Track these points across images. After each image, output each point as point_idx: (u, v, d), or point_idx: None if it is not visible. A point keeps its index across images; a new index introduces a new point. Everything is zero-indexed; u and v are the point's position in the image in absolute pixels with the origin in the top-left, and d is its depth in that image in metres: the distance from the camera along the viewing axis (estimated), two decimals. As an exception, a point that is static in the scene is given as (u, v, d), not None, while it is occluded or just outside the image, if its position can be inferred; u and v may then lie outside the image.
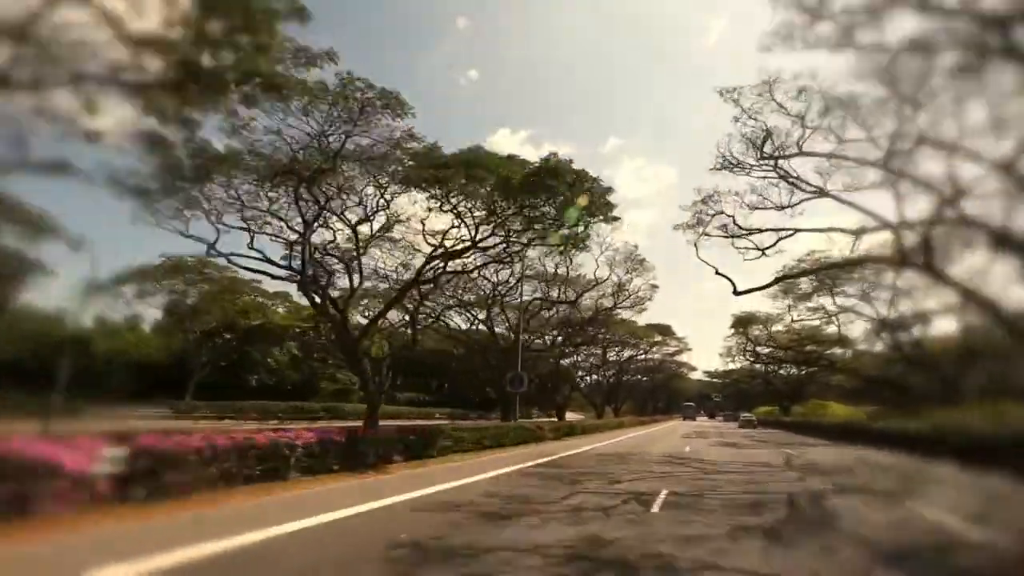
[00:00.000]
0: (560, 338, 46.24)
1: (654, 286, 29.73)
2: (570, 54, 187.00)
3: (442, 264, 19.53)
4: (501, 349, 30.47)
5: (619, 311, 32.03)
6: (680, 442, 23.53)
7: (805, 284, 29.89)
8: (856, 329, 31.65)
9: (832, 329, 37.34)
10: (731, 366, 59.39)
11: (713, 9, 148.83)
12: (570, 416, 71.24)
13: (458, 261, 19.81)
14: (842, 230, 18.12)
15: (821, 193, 17.18)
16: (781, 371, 54.95)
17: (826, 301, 33.33)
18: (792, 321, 35.58)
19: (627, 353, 59.13)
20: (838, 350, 39.14)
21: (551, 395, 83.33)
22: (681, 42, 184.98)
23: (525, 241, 18.80)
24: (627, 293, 29.71)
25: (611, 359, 60.37)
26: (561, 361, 59.01)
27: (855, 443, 22.72)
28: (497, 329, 33.76)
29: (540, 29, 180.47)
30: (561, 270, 27.85)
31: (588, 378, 64.74)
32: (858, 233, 17.21)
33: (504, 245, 18.68)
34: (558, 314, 35.60)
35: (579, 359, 58.61)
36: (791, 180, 17.29)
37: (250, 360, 40.63)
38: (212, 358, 36.55)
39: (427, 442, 13.32)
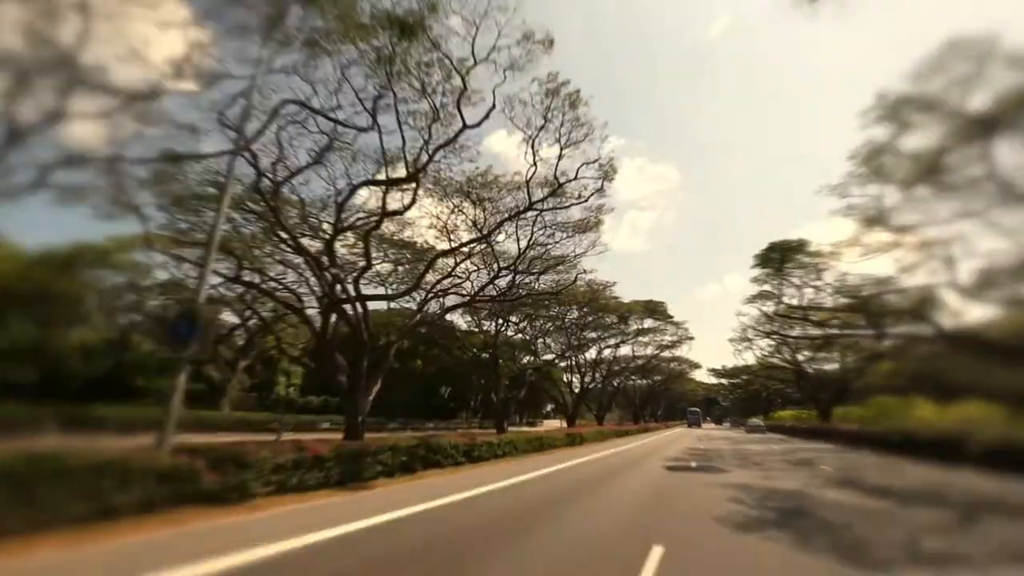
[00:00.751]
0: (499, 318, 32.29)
1: (607, 171, 15.02)
2: (567, 48, 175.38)
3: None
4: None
5: (554, 209, 17.36)
6: (642, 494, 8.94)
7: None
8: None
9: (911, 281, 22.65)
10: (746, 358, 44.61)
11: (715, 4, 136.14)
12: (552, 425, 56.69)
13: None
14: None
15: None
16: (814, 358, 39.92)
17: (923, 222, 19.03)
18: (861, 255, 20.86)
19: (612, 342, 44.33)
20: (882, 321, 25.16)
21: (535, 403, 68.50)
22: (682, 37, 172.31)
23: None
24: (558, 183, 14.99)
25: (590, 355, 45.88)
26: (530, 358, 44.44)
27: None
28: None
29: (538, 25, 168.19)
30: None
31: (572, 379, 49.65)
32: None
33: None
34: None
35: (551, 356, 44.00)
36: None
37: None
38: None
39: None
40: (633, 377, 58.88)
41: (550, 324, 36.64)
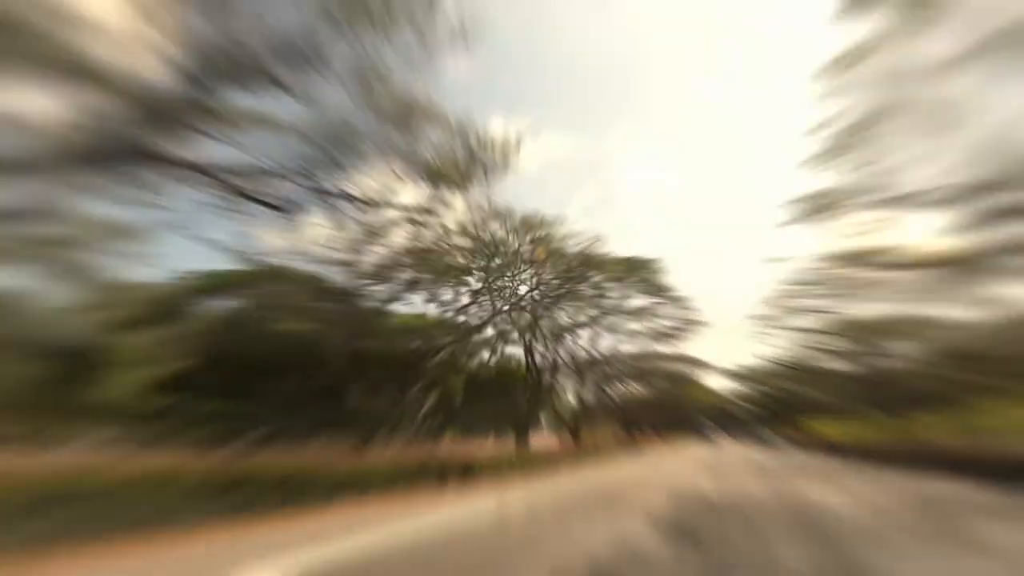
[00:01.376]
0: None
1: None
2: (564, 27, 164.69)
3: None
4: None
5: None
6: None
7: None
8: None
9: None
10: (778, 344, 31.67)
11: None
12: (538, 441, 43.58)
13: None
14: None
15: None
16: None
17: None
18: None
19: (583, 319, 31.36)
20: None
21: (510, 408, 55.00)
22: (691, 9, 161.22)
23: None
24: None
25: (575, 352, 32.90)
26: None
27: None
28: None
29: (535, 14, 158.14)
30: None
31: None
32: None
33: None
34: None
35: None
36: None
37: None
38: None
39: None
40: (625, 379, 45.56)
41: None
